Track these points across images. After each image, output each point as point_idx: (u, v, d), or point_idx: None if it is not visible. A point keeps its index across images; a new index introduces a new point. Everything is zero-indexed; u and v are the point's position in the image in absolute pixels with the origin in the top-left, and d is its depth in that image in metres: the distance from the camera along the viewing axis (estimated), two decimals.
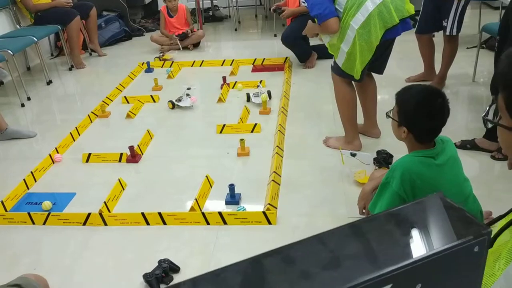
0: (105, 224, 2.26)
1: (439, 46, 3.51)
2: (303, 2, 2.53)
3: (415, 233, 0.52)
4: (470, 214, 0.54)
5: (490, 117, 0.99)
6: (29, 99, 3.97)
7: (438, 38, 3.58)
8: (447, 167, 1.68)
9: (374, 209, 1.77)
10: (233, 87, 3.85)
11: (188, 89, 3.55)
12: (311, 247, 0.49)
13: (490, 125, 1.03)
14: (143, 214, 2.24)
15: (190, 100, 3.49)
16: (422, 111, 1.62)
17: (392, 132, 1.79)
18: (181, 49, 4.90)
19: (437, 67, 3.55)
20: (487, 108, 1.00)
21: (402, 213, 0.56)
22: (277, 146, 2.80)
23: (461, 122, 3.07)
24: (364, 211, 2.01)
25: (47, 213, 2.31)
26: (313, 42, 4.03)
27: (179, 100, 3.50)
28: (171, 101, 3.51)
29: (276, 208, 2.26)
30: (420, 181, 1.62)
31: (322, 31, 2.51)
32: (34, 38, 4.16)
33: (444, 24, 3.28)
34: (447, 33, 3.29)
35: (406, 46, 3.82)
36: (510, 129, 0.89)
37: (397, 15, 2.36)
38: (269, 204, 2.24)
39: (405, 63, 3.92)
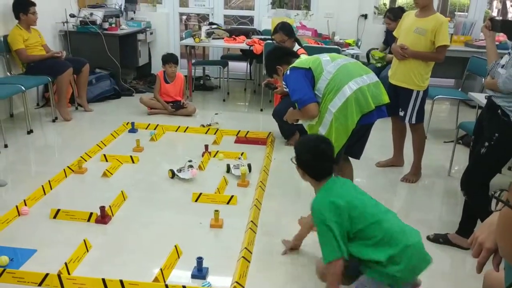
0: (62, 287, 2.13)
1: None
2: (284, 87, 2.63)
3: None
4: None
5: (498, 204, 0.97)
6: (6, 146, 3.90)
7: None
8: (349, 186, 2.04)
9: (332, 255, 1.83)
10: (214, 156, 3.86)
11: (190, 161, 3.47)
12: None
13: (497, 207, 1.00)
14: (103, 280, 2.14)
15: (191, 173, 3.38)
16: (308, 154, 2.01)
17: None
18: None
19: (410, 156, 3.65)
20: (499, 191, 0.98)
21: None
22: (252, 221, 2.76)
23: (436, 214, 3.10)
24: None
25: (2, 269, 2.18)
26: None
27: (180, 170, 3.40)
28: (171, 170, 3.40)
29: (243, 287, 2.18)
30: (341, 201, 1.86)
31: (303, 115, 2.59)
32: (22, 87, 4.18)
33: (401, 113, 3.46)
34: (406, 121, 3.46)
35: (386, 134, 3.93)
36: None
37: (373, 102, 2.48)
38: (236, 282, 2.17)
39: (382, 150, 4.01)
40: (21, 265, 2.29)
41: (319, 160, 1.98)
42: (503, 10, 8.55)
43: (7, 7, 4.56)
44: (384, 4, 7.23)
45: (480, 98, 3.34)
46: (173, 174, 3.40)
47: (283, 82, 2.63)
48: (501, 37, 5.43)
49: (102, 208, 2.75)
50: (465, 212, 2.63)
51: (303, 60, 2.60)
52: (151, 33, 6.49)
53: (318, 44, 5.28)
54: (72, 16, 5.50)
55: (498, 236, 0.98)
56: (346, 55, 4.28)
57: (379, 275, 1.83)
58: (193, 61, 5.92)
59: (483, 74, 4.63)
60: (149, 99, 5.13)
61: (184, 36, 5.95)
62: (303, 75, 2.49)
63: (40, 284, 2.14)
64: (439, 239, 2.67)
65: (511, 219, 0.89)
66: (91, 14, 5.64)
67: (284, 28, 4.16)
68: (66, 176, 3.35)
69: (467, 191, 2.51)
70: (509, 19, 7.66)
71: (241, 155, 3.82)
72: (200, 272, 2.26)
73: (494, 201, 0.98)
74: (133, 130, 4.45)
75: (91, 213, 2.76)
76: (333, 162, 2.02)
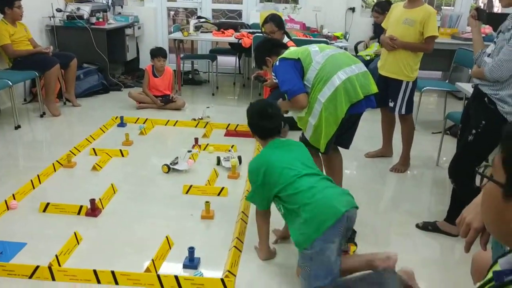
0: (53, 279, 2.12)
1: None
2: (274, 78, 2.64)
3: None
4: None
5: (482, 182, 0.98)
6: None
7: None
8: (284, 150, 2.22)
9: (250, 199, 2.28)
10: (204, 149, 3.86)
11: (189, 151, 3.46)
12: None
13: (482, 183, 1.02)
14: (95, 271, 2.13)
15: (187, 164, 3.39)
16: (256, 115, 2.26)
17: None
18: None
19: (399, 147, 3.69)
20: (483, 167, 0.99)
21: None
22: (242, 211, 2.77)
23: (424, 204, 3.13)
24: None
25: None
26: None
27: (175, 163, 3.38)
28: (166, 165, 3.35)
29: (235, 275, 2.19)
30: (268, 166, 2.11)
31: (292, 106, 2.61)
32: (9, 82, 4.13)
33: (391, 104, 3.49)
34: (396, 112, 3.50)
35: (375, 125, 3.97)
36: (502, 186, 0.89)
37: (362, 91, 2.50)
38: (228, 271, 2.18)
39: (371, 141, 4.04)
40: (11, 258, 2.27)
41: (265, 120, 2.22)
42: (489, 4, 8.64)
43: None
44: None
45: (467, 88, 3.37)
46: (168, 169, 3.37)
47: (273, 73, 2.64)
48: (487, 29, 5.49)
49: (92, 201, 2.73)
50: (453, 199, 2.66)
51: (292, 51, 2.61)
52: (139, 28, 6.45)
53: (307, 37, 5.29)
54: (58, 10, 5.44)
55: (483, 212, 0.99)
56: None
57: (301, 245, 1.98)
58: (182, 55, 5.90)
59: (469, 66, 4.68)
60: (138, 93, 5.10)
61: (172, 30, 5.92)
62: (292, 65, 2.50)
63: (30, 277, 2.13)
64: (428, 226, 2.70)
65: (495, 193, 0.91)
66: (78, 8, 5.59)
67: (274, 19, 4.16)
68: (55, 170, 3.32)
69: (455, 179, 2.54)
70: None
71: (232, 147, 3.83)
72: (191, 262, 2.26)
73: (479, 178, 0.99)
74: (122, 124, 4.43)
75: (81, 206, 2.75)
76: (278, 124, 2.24)
